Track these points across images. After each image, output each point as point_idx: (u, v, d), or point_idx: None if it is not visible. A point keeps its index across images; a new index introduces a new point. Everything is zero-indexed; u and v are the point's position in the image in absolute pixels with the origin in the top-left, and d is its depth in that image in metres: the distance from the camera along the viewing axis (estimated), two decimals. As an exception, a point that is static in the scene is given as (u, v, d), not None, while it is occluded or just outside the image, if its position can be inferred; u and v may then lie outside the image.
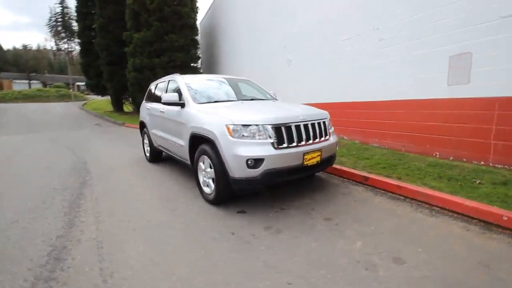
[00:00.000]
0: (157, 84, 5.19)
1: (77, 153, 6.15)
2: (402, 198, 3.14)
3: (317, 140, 3.08)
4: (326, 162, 3.26)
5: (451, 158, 4.13)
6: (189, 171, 4.16)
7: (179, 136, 3.79)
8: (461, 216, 2.65)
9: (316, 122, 3.11)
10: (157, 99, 4.91)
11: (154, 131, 4.86)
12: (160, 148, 4.82)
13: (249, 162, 2.70)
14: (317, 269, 1.95)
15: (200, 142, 3.22)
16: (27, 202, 3.31)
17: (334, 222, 2.62)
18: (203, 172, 3.21)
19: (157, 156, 5.19)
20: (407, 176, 3.49)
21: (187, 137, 3.43)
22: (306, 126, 2.99)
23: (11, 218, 2.88)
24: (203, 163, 3.19)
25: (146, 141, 5.52)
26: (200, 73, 15.65)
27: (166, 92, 4.47)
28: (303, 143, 2.93)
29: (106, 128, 11.17)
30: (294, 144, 2.87)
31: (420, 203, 2.98)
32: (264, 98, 4.28)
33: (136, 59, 12.30)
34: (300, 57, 7.83)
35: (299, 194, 3.34)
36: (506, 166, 3.55)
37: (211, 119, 3.05)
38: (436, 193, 2.93)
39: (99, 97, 23.04)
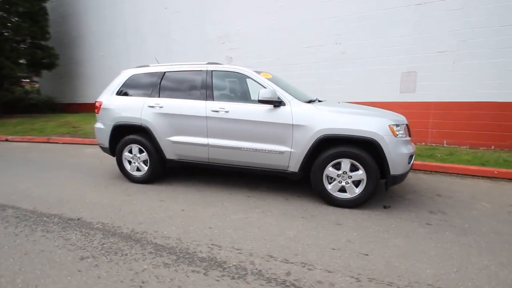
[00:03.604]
0: (164, 73, 3.69)
1: None
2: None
3: None
4: None
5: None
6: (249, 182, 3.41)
7: (273, 141, 3.12)
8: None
9: None
10: (178, 93, 3.58)
11: (176, 138, 3.51)
12: (185, 160, 3.56)
13: (409, 159, 2.92)
14: None
15: (328, 146, 2.96)
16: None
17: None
18: (339, 178, 2.95)
19: (160, 172, 3.77)
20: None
21: (308, 141, 2.96)
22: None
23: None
24: (339, 168, 2.95)
25: (131, 154, 3.78)
26: (55, 53, 11.37)
27: (212, 87, 3.41)
28: None
29: None
30: None
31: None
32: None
33: None
34: (245, 55, 7.84)
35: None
36: (439, 145, 5.78)
37: (367, 120, 2.90)
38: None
39: None
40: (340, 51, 6.48)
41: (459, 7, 5.21)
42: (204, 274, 1.92)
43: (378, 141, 2.80)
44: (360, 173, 2.92)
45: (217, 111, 3.30)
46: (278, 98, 3.09)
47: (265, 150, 3.17)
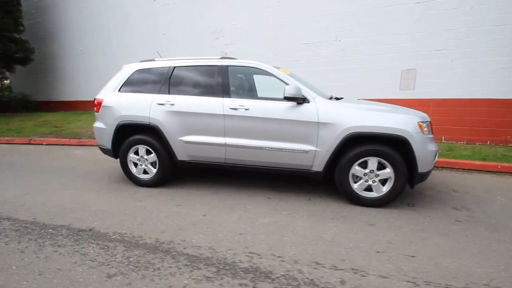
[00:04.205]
0: (174, 68, 3.43)
1: None
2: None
3: None
4: None
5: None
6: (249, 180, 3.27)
7: (297, 140, 2.99)
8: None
9: None
10: (190, 90, 3.35)
11: (189, 138, 3.27)
12: (199, 161, 3.35)
13: (434, 156, 2.91)
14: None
15: (353, 145, 2.89)
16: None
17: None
18: (366, 176, 2.88)
19: (169, 174, 3.53)
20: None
21: (335, 140, 2.86)
22: None
23: None
24: (364, 167, 2.88)
25: (138, 156, 3.49)
26: (29, 48, 10.56)
27: (229, 83, 3.22)
28: None
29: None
30: None
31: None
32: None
33: None
34: (241, 51, 7.62)
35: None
36: (438, 141, 5.93)
37: (396, 117, 2.84)
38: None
39: None
40: (340, 48, 6.47)
41: (456, 6, 5.35)
42: (254, 287, 1.76)
43: (408, 139, 2.76)
44: (388, 171, 2.86)
45: (235, 109, 3.11)
46: (303, 95, 2.96)
47: (288, 149, 3.04)
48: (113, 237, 2.35)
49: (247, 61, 3.32)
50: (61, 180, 3.88)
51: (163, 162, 3.43)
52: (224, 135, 3.19)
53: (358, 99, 3.75)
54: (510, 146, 5.31)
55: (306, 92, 3.02)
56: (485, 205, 3.05)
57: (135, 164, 3.58)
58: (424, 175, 2.91)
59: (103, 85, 3.79)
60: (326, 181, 3.57)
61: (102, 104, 3.60)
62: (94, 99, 3.71)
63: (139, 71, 3.58)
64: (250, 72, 3.43)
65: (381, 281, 1.82)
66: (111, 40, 10.04)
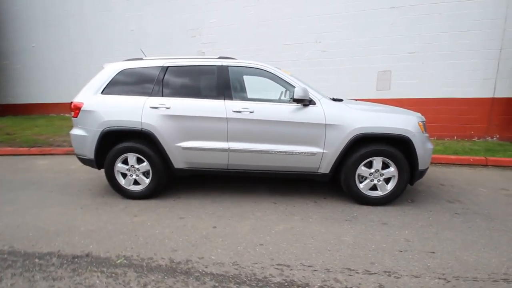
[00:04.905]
0: (167, 68, 3.14)
1: None
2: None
3: None
4: None
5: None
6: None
7: (304, 142, 2.94)
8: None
9: None
10: (186, 92, 3.11)
11: (188, 144, 3.04)
12: (198, 168, 3.15)
13: (431, 153, 3.07)
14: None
15: (358, 145, 2.92)
16: None
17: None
18: (371, 176, 2.94)
19: (163, 184, 3.25)
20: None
21: (342, 141, 2.86)
22: None
23: None
24: (369, 167, 2.94)
25: (127, 166, 3.15)
26: None
27: (230, 84, 3.05)
28: None
29: None
30: None
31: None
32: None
33: None
34: (220, 51, 7.39)
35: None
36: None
37: (400, 118, 2.94)
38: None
39: None
40: (321, 49, 6.60)
41: (427, 12, 5.78)
42: (296, 303, 1.65)
43: (411, 138, 2.87)
44: (392, 170, 2.95)
45: (239, 112, 2.95)
46: (309, 97, 2.91)
47: (295, 152, 2.97)
48: (118, 261, 2.06)
49: (247, 61, 3.18)
50: (32, 196, 3.34)
51: (158, 171, 3.13)
52: (227, 139, 3.01)
53: (356, 100, 3.82)
54: (474, 140, 5.90)
55: (312, 94, 2.98)
56: (473, 197, 3.31)
57: (124, 175, 3.22)
58: (423, 172, 3.06)
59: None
60: (325, 182, 3.60)
61: (82, 109, 3.17)
62: (71, 102, 3.26)
63: (125, 71, 3.22)
64: (250, 72, 3.29)
65: (416, 281, 1.84)
66: (69, 35, 9.04)
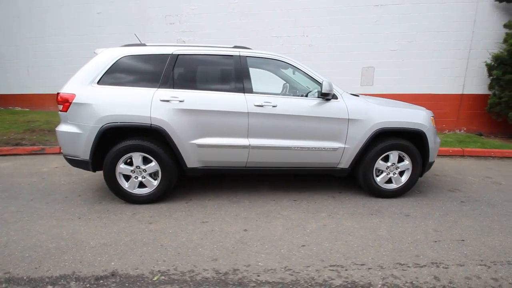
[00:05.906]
0: (177, 56, 2.80)
1: None
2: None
3: None
4: None
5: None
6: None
7: (326, 138, 2.89)
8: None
9: None
10: (200, 84, 2.84)
11: (204, 141, 2.78)
12: (213, 166, 2.92)
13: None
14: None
15: (376, 140, 2.97)
16: None
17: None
18: (387, 170, 3.01)
19: (173, 186, 2.96)
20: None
21: (363, 136, 2.88)
22: None
23: None
24: (386, 161, 3.01)
25: (131, 167, 2.77)
26: None
27: (249, 76, 2.86)
28: None
29: None
30: None
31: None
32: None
33: None
34: (201, 40, 6.99)
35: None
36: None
37: (415, 113, 3.06)
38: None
39: None
40: (308, 43, 6.61)
41: (408, 12, 6.12)
42: (369, 305, 1.60)
43: (425, 132, 3.00)
44: (406, 163, 3.06)
45: (261, 106, 2.78)
46: (333, 91, 2.86)
47: (318, 147, 2.91)
48: (155, 278, 1.79)
49: (264, 51, 3.01)
50: (8, 208, 2.77)
51: (168, 171, 2.81)
52: (248, 135, 2.82)
53: (366, 95, 3.89)
54: (445, 132, 6.49)
55: (336, 89, 2.93)
56: (467, 185, 3.61)
57: (127, 177, 2.84)
58: (431, 164, 3.24)
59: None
60: (329, 176, 3.63)
61: (73, 101, 2.68)
62: (58, 93, 2.75)
63: (127, 58, 2.80)
64: (269, 64, 3.12)
65: (463, 270, 1.92)
66: (21, 15, 7.72)
